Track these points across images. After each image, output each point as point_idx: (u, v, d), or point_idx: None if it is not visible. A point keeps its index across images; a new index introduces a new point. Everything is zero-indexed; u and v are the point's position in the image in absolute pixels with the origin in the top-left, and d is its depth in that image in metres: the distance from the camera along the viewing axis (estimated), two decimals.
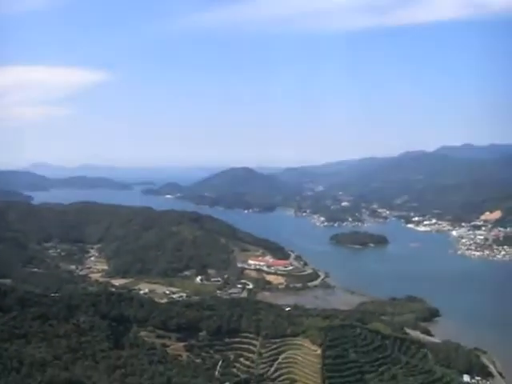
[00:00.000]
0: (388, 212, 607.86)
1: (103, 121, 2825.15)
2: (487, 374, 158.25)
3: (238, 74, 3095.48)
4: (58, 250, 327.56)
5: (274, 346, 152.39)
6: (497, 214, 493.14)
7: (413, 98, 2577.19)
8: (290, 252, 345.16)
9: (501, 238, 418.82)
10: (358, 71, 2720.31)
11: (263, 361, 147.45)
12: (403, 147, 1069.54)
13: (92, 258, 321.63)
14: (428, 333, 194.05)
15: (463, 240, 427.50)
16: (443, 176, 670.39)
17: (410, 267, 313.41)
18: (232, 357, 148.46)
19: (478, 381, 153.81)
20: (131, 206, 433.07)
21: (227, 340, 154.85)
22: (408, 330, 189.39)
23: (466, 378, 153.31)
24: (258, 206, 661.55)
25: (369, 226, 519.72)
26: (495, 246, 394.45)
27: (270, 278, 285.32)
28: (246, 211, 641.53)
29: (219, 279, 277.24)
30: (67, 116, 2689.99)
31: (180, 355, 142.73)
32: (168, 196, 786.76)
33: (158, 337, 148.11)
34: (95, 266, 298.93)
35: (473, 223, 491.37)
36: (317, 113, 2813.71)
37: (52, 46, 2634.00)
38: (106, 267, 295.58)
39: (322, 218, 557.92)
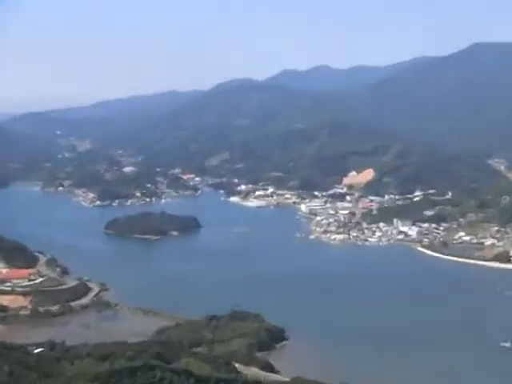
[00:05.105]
0: (198, 179, 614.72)
1: None
2: None
3: None
4: None
5: None
6: (367, 175, 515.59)
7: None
8: (37, 254, 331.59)
9: (374, 212, 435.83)
10: None
11: None
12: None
13: None
14: (270, 368, 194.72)
15: (318, 218, 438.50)
16: (283, 119, 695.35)
17: (236, 266, 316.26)
18: None
19: None
20: None
21: None
22: (239, 367, 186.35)
23: None
24: None
25: (169, 202, 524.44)
26: (366, 225, 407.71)
27: (4, 299, 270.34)
28: None
29: None
30: None
31: None
32: None
33: None
34: None
35: (331, 191, 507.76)
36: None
37: None
38: None
39: (93, 195, 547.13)
